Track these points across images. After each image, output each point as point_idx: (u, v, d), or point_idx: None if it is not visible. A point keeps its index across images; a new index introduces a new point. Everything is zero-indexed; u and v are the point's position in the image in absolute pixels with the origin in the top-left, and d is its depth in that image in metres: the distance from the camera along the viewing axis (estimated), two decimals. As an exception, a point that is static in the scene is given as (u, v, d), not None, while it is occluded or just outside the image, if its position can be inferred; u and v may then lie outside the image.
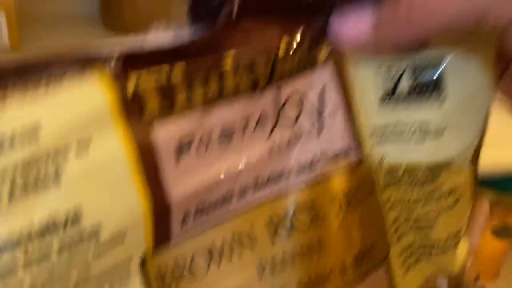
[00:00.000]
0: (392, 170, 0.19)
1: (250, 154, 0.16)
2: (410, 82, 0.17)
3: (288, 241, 0.17)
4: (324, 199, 0.17)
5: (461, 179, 0.19)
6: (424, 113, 0.18)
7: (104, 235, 0.13)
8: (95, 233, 0.13)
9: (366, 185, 0.18)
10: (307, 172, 0.17)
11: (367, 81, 0.17)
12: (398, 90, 0.18)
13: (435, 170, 0.19)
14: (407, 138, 0.18)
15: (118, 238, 0.14)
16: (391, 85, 0.17)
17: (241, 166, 0.16)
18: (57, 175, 0.12)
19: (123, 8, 0.43)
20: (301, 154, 0.17)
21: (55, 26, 0.45)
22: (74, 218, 0.13)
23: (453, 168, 0.19)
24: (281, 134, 0.16)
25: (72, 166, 0.12)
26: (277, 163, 0.16)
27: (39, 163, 0.12)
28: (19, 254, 0.12)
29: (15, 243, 0.12)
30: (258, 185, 0.16)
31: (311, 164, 0.17)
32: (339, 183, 0.17)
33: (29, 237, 0.12)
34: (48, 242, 0.12)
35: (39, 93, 0.12)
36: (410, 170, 0.18)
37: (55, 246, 0.13)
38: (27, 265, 0.12)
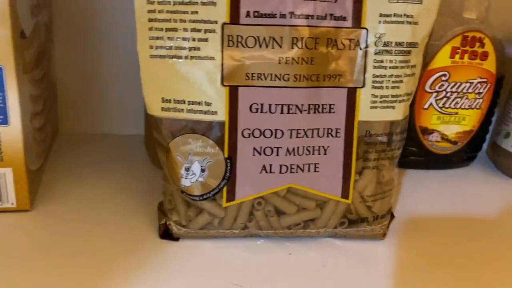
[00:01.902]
0: (387, 44, 0.30)
1: None
2: None
3: (300, 50, 0.29)
4: (326, 36, 0.29)
5: (419, 60, 0.32)
6: (411, 8, 0.30)
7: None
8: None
9: (353, 40, 0.30)
10: (322, 20, 0.29)
11: None
12: None
13: (410, 47, 0.31)
14: (399, 24, 0.30)
15: (213, 5, 0.28)
16: None
17: (281, 0, 0.28)
18: None
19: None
20: (322, 8, 0.29)
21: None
22: None
23: (417, 50, 0.31)
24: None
25: None
26: (308, 7, 0.28)
27: None
28: None
29: None
30: (294, 14, 0.28)
31: (326, 16, 0.29)
32: (337, 32, 0.29)
33: None
34: None
35: None
36: (398, 45, 0.30)
37: None
38: None
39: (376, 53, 0.30)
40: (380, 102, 0.31)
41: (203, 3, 0.28)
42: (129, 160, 0.44)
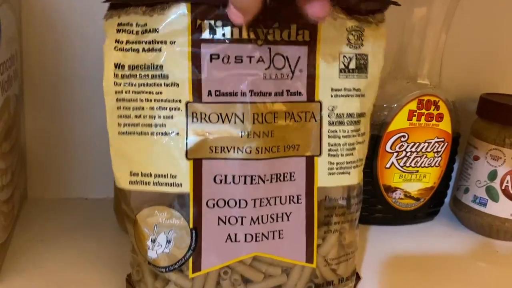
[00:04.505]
0: (340, 115, 0.32)
1: (252, 73, 0.30)
2: (355, 64, 0.32)
3: (261, 125, 0.30)
4: (284, 110, 0.31)
5: (367, 128, 0.34)
6: (358, 83, 0.32)
7: (170, 80, 0.29)
8: (166, 77, 0.29)
9: (308, 112, 0.31)
10: (280, 96, 0.30)
11: (333, 60, 0.31)
12: (349, 67, 0.32)
13: (359, 117, 0.33)
14: (348, 97, 0.32)
15: (176, 86, 0.29)
16: (346, 64, 0.32)
17: (245, 78, 0.30)
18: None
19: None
20: (279, 85, 0.30)
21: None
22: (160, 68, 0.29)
23: (365, 119, 0.34)
24: (272, 72, 0.30)
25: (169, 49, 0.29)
26: (267, 85, 0.30)
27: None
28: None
29: None
30: (253, 92, 0.30)
31: (283, 92, 0.31)
32: (294, 106, 0.31)
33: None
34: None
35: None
36: (349, 116, 0.33)
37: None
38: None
39: (330, 124, 0.32)
40: (337, 168, 0.32)
41: (166, 85, 0.29)
42: (98, 226, 0.44)
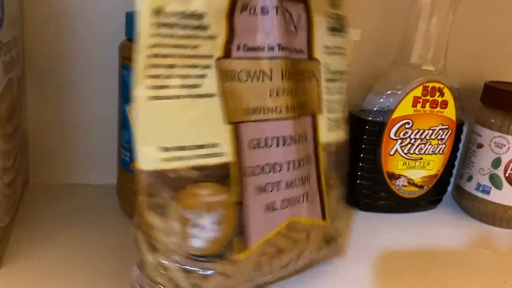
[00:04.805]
0: (333, 72, 0.33)
1: (278, 26, 0.28)
2: (339, 24, 0.33)
3: (287, 82, 0.29)
4: (289, 67, 0.29)
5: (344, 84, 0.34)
6: (342, 41, 0.33)
7: (209, 33, 0.26)
8: (206, 28, 0.26)
9: (309, 71, 0.31)
10: (292, 53, 0.30)
11: (323, 19, 0.32)
12: (335, 27, 0.33)
13: (343, 75, 0.34)
14: (338, 55, 0.33)
15: (212, 40, 0.26)
16: (332, 24, 0.32)
17: (271, 30, 0.28)
18: None
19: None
20: (292, 41, 0.30)
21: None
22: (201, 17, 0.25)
23: (345, 77, 0.34)
24: (288, 27, 0.29)
25: None
26: (288, 40, 0.29)
27: None
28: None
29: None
30: (281, 46, 0.28)
31: (293, 49, 0.30)
32: (301, 63, 0.30)
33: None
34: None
35: None
36: (339, 73, 0.33)
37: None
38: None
39: (326, 81, 0.33)
40: (333, 125, 0.33)
41: (204, 38, 0.26)
42: (102, 212, 0.43)
